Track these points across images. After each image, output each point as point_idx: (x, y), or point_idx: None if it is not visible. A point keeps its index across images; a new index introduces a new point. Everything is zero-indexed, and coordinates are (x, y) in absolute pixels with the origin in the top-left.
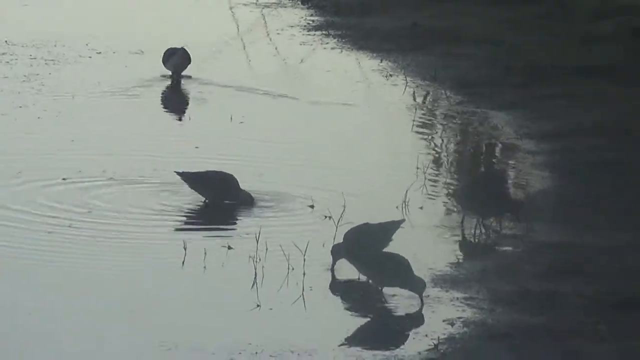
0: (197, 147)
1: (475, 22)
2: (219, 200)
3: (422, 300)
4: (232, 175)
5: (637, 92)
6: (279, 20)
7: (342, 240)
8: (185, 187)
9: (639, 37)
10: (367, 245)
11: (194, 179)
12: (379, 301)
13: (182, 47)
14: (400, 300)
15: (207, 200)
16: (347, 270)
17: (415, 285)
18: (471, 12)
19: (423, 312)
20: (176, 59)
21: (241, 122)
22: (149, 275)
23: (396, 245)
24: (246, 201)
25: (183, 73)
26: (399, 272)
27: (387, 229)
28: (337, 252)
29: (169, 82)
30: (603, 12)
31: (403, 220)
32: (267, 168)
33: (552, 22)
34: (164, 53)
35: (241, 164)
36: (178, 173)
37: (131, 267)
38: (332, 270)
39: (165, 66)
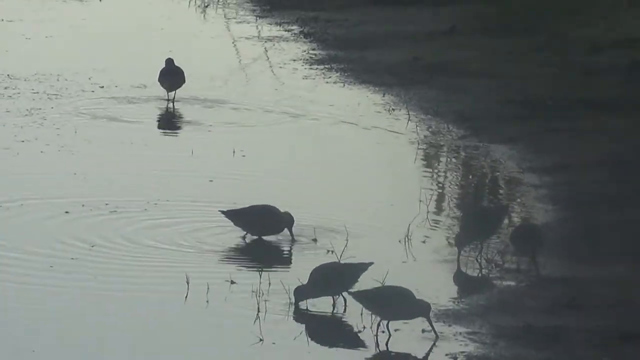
0: (211, 181)
1: (476, 55)
2: (264, 235)
3: (432, 325)
4: (274, 209)
5: (638, 124)
6: (282, 54)
7: (309, 279)
8: (187, 220)
9: (638, 69)
10: (333, 285)
11: (238, 216)
12: (381, 336)
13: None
14: (403, 335)
15: (246, 235)
16: (351, 304)
17: (422, 309)
18: (471, 45)
19: (435, 342)
20: (170, 78)
21: (243, 156)
22: (151, 309)
23: (399, 280)
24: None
25: (176, 92)
26: (405, 303)
27: (356, 270)
28: (300, 293)
29: (172, 115)
30: (602, 44)
31: (371, 263)
32: (270, 200)
33: (550, 54)
34: (159, 72)
35: (243, 195)
36: (222, 212)
37: (133, 302)
38: (296, 309)
39: (162, 85)
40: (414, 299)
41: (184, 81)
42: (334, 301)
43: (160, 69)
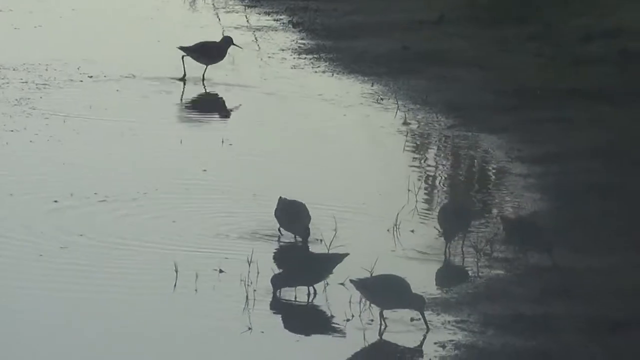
0: (204, 170)
1: (465, 45)
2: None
3: (425, 319)
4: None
5: (628, 114)
6: (271, 44)
7: (285, 268)
8: (176, 209)
9: (628, 58)
10: (308, 275)
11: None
12: (371, 324)
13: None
14: (392, 324)
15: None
16: (340, 293)
17: (416, 302)
18: (461, 34)
19: (424, 333)
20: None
21: (230, 144)
22: (140, 298)
23: (388, 269)
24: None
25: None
26: (401, 292)
27: (331, 261)
28: (277, 282)
29: (160, 104)
30: (591, 34)
31: (347, 254)
32: (260, 190)
33: (540, 44)
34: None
35: (233, 185)
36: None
37: (122, 291)
38: (274, 298)
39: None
40: (410, 291)
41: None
42: (308, 291)
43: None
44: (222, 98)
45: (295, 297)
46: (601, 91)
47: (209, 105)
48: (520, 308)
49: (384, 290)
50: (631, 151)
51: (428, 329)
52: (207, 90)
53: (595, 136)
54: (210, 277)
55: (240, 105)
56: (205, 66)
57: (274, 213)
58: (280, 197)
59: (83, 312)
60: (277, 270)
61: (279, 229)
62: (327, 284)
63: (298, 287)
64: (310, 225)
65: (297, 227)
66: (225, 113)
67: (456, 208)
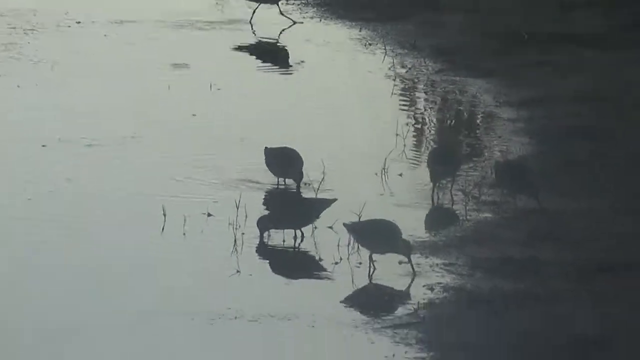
0: (194, 115)
1: None
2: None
3: (412, 264)
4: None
5: (615, 58)
6: None
7: (272, 210)
8: (164, 154)
9: (615, 3)
10: (295, 219)
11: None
12: (359, 267)
13: None
14: (380, 267)
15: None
16: (328, 237)
17: (405, 248)
18: None
19: (414, 278)
20: None
21: (218, 89)
22: (128, 241)
23: (376, 212)
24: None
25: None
26: (392, 237)
27: (319, 206)
28: (264, 224)
29: (148, 50)
30: None
31: (335, 200)
32: (248, 133)
33: None
34: None
35: (222, 129)
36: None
37: (110, 233)
38: (261, 241)
39: None
40: (400, 236)
41: None
42: (295, 234)
43: None
44: (210, 43)
45: (284, 241)
46: (588, 35)
47: (197, 49)
48: (508, 251)
49: (376, 235)
50: (616, 95)
51: (415, 274)
52: (194, 35)
53: (581, 80)
54: (198, 220)
55: (229, 50)
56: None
57: (265, 164)
58: (266, 147)
59: (71, 256)
60: (264, 214)
61: (277, 181)
62: (316, 227)
63: (286, 231)
64: (303, 169)
65: (291, 172)
66: (213, 58)
67: (444, 152)
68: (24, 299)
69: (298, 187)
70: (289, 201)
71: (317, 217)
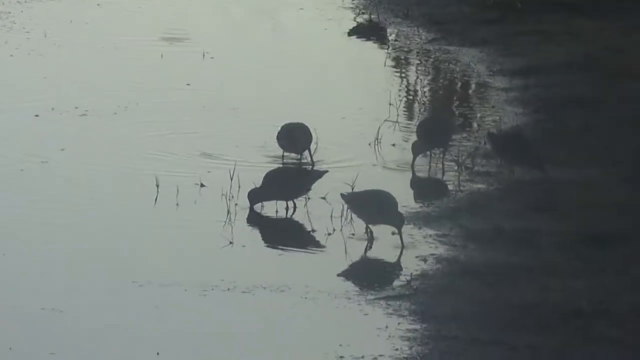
0: (188, 84)
1: None
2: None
3: (401, 237)
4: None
5: (608, 27)
6: None
7: (262, 182)
8: (157, 124)
9: None
10: (286, 190)
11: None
12: (352, 238)
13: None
14: (373, 237)
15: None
16: (320, 210)
17: (398, 220)
18: None
19: (402, 250)
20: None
21: (212, 58)
22: (121, 212)
23: (369, 183)
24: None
25: None
26: (388, 207)
27: (310, 177)
28: (254, 196)
29: (141, 19)
30: None
31: (326, 171)
32: (240, 102)
33: None
34: None
35: (215, 99)
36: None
37: (103, 204)
38: (252, 212)
39: None
40: (396, 208)
41: None
42: (287, 205)
43: None
44: (203, 12)
45: (277, 212)
46: (581, 3)
47: (190, 19)
48: (501, 222)
49: (373, 205)
50: (609, 63)
51: (403, 247)
52: (188, 4)
53: (575, 49)
54: (191, 191)
55: (223, 19)
56: None
57: (276, 138)
58: (283, 124)
59: (63, 227)
60: (258, 184)
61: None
62: (309, 198)
63: (278, 202)
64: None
65: (299, 147)
66: (207, 27)
67: (431, 127)
68: (15, 273)
69: (311, 158)
70: (280, 172)
71: (309, 188)
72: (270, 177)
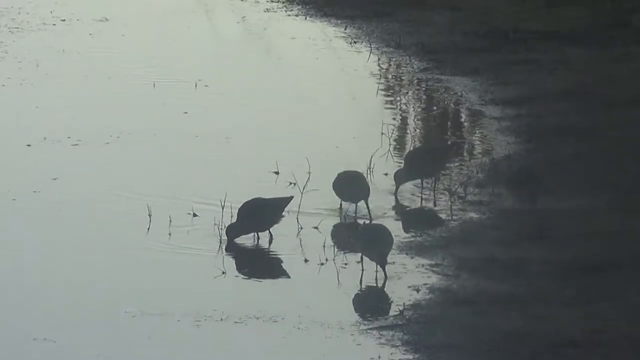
0: (185, 113)
1: None
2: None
3: (369, 210)
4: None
5: (600, 56)
6: None
7: (237, 216)
8: (149, 153)
9: (601, 1)
10: (258, 221)
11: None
12: (345, 267)
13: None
14: (367, 267)
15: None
16: (311, 240)
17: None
18: None
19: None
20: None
21: (206, 86)
22: (113, 241)
23: (362, 209)
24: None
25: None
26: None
27: (278, 205)
28: (232, 231)
29: (134, 48)
30: None
31: (291, 197)
32: (232, 132)
33: None
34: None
35: (207, 128)
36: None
37: (95, 234)
38: (227, 246)
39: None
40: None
41: None
42: (258, 237)
43: None
44: (196, 40)
45: (270, 242)
46: (573, 33)
47: (183, 46)
48: (494, 252)
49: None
50: (601, 93)
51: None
52: (181, 32)
53: (567, 78)
54: (183, 220)
55: (214, 47)
56: None
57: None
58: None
59: (55, 256)
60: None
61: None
62: (301, 228)
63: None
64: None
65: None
66: (198, 55)
67: (423, 152)
68: (7, 303)
69: (368, 208)
70: (246, 205)
71: (279, 216)
72: (243, 210)
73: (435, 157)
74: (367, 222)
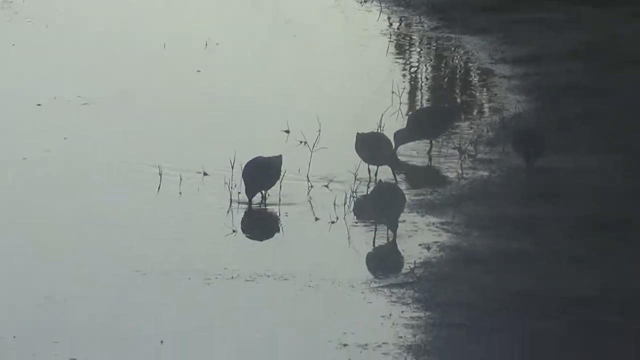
0: (199, 71)
1: None
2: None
3: (394, 174)
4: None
5: (610, 14)
6: None
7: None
8: (160, 112)
9: None
10: (261, 180)
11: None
12: (356, 226)
13: None
14: (377, 227)
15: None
16: (324, 198)
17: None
18: None
19: (398, 239)
20: None
21: (217, 44)
22: (123, 201)
23: (371, 169)
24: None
25: None
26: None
27: (277, 164)
28: (249, 191)
29: (143, 7)
30: None
31: (280, 156)
32: (243, 93)
33: None
34: None
35: (218, 87)
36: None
37: (105, 193)
38: (238, 205)
39: None
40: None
41: None
42: (263, 195)
43: None
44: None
45: (280, 200)
46: None
47: (192, 5)
48: (504, 210)
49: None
50: (609, 51)
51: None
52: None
53: (576, 37)
54: (194, 179)
55: (223, 5)
56: None
57: (355, 149)
58: (357, 133)
59: (66, 216)
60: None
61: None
62: (312, 186)
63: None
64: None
65: (381, 157)
66: (208, 13)
67: (429, 112)
68: (18, 263)
69: (393, 173)
70: (246, 167)
71: (276, 176)
72: (248, 169)
73: (438, 118)
74: (381, 181)
